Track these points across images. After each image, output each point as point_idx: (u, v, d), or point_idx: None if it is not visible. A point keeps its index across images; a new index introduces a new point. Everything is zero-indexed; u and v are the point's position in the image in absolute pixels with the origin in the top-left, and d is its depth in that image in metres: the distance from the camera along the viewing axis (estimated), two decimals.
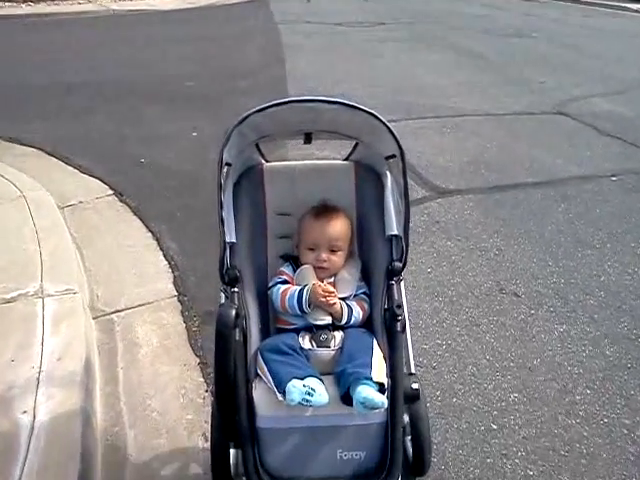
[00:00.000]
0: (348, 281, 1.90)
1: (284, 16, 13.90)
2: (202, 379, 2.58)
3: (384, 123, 1.71)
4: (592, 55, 9.58)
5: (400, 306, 1.73)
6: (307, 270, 1.89)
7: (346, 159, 2.13)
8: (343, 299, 1.85)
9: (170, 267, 3.47)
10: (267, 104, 1.67)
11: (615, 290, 3.15)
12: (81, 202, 4.32)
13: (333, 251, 1.90)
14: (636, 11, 15.21)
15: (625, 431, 2.25)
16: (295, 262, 1.95)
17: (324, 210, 1.95)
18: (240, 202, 1.95)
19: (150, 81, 7.87)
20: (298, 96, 1.70)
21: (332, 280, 1.90)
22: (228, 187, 1.89)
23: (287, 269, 1.93)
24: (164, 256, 3.60)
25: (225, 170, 1.75)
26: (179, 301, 3.15)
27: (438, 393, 2.44)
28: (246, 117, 1.70)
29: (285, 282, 1.89)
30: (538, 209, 4.10)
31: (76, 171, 4.88)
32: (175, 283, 3.31)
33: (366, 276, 1.96)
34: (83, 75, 8.15)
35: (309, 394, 1.52)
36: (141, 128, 5.94)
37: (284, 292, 1.84)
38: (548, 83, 7.62)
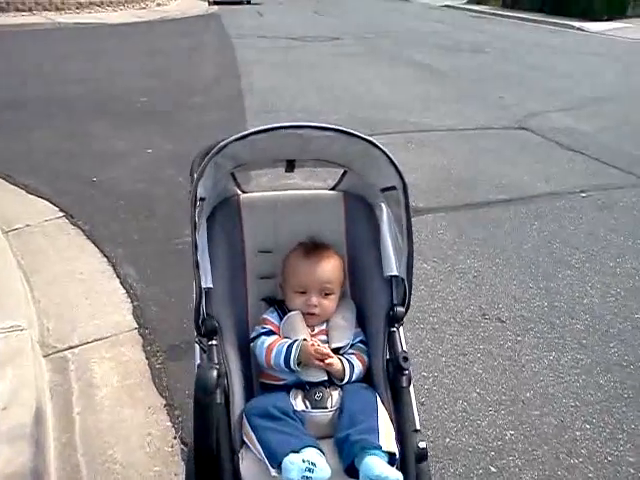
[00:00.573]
0: (343, 328, 1.69)
1: (238, 30, 13.71)
2: (170, 423, 2.33)
3: (384, 152, 1.51)
4: (544, 70, 9.71)
5: (407, 358, 1.55)
6: (295, 318, 1.68)
7: (333, 189, 1.93)
8: (338, 350, 1.64)
9: (129, 296, 3.19)
10: (249, 131, 1.45)
11: (600, 313, 3.04)
12: (28, 225, 4.00)
13: (325, 294, 1.69)
14: (578, 29, 15.65)
15: (632, 470, 2.10)
16: (280, 307, 1.74)
17: (314, 248, 1.74)
18: (215, 239, 1.73)
19: (100, 97, 7.53)
20: (273, 122, 1.49)
21: (324, 327, 1.69)
22: (202, 224, 1.66)
23: (272, 316, 1.71)
24: (121, 284, 3.32)
25: (199, 205, 1.52)
26: (140, 334, 2.88)
27: (430, 433, 2.25)
28: (224, 146, 1.47)
29: (270, 332, 1.66)
30: (512, 228, 3.98)
31: (21, 191, 4.55)
32: (135, 314, 3.03)
33: (361, 321, 1.75)
34: (27, 90, 7.76)
35: (309, 470, 1.30)
36: (92, 145, 5.63)
37: (270, 347, 1.61)
38: (506, 98, 7.63)
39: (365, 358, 1.66)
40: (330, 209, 1.87)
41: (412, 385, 1.58)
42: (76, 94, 7.59)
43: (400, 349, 1.58)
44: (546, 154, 5.51)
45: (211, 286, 1.61)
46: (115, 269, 3.47)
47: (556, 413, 2.35)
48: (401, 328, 1.65)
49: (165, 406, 2.41)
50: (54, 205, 4.30)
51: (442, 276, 3.37)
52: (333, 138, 1.49)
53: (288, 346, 1.58)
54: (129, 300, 3.15)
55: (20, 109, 6.80)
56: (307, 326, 1.67)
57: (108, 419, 2.37)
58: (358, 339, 1.70)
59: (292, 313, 1.69)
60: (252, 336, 1.69)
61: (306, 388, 1.56)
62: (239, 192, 1.86)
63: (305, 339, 1.59)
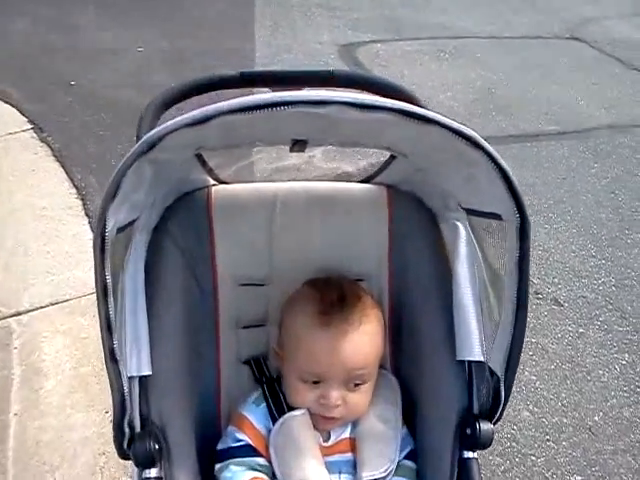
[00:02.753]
0: (382, 438, 1.09)
1: None
2: None
3: (497, 162, 0.81)
4: None
5: None
6: (298, 424, 1.07)
7: (369, 180, 1.26)
8: None
9: None
10: (214, 108, 0.75)
11: None
12: None
13: (354, 385, 1.08)
14: None
15: None
16: (273, 392, 1.13)
17: (338, 306, 1.08)
18: (162, 271, 1.10)
19: None
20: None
21: (348, 434, 1.10)
22: (133, 259, 1.02)
23: (255, 413, 1.10)
24: (90, 225, 2.72)
25: (108, 244, 0.83)
26: None
27: None
28: (162, 136, 0.77)
29: (247, 450, 1.07)
30: (566, 170, 3.30)
31: None
32: None
33: (409, 414, 1.15)
34: None
35: None
36: (76, 39, 4.83)
37: None
38: (556, 1, 6.64)
39: None
40: (365, 214, 1.21)
41: None
42: None
43: None
44: (604, 73, 4.70)
45: (148, 372, 1.00)
46: (85, 205, 2.86)
47: (636, 450, 1.80)
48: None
49: None
50: (22, 114, 3.63)
51: None
52: (390, 122, 0.79)
53: None
54: None
55: None
56: (318, 430, 1.08)
57: (53, 425, 1.84)
58: (405, 452, 1.11)
59: (293, 415, 1.08)
60: (218, 448, 1.09)
61: None
62: (210, 182, 1.21)
63: None
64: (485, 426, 1.01)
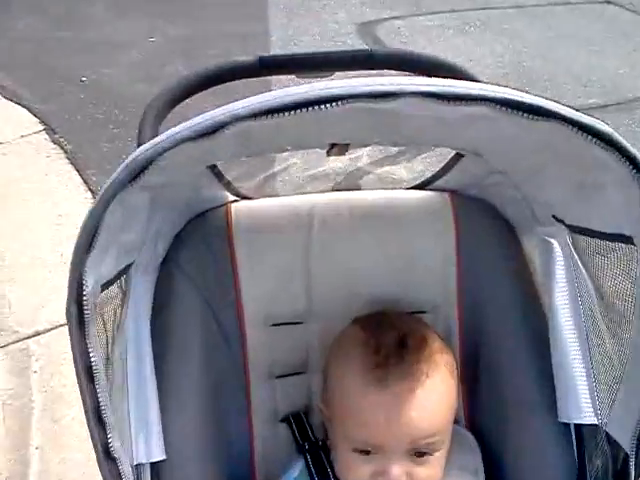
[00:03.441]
0: None
1: None
2: None
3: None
4: None
5: None
6: None
7: (426, 186, 1.07)
8: None
9: None
10: (270, 102, 0.55)
11: None
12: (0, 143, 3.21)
13: (420, 454, 0.87)
14: None
15: None
16: (317, 458, 0.94)
17: (397, 356, 0.87)
18: (174, 315, 0.92)
19: None
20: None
21: None
22: (133, 313, 0.82)
23: None
24: None
25: (98, 294, 0.66)
26: None
27: None
28: (151, 158, 0.58)
29: None
30: None
31: None
32: None
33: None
34: None
35: None
36: (86, 33, 4.64)
37: None
38: None
39: None
40: (425, 229, 1.02)
41: None
42: None
43: None
44: None
45: (161, 457, 0.82)
46: None
47: None
48: None
49: None
50: (34, 115, 3.49)
51: None
52: (483, 117, 0.58)
53: None
54: None
55: None
56: None
57: (77, 460, 1.70)
58: None
59: None
60: None
61: None
62: (229, 198, 1.03)
63: None
64: None
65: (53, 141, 3.25)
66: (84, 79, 3.89)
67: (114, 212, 0.60)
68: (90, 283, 0.61)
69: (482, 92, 0.56)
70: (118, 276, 0.74)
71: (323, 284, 1.01)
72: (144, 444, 0.80)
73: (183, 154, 0.60)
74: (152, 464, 0.82)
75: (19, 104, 3.61)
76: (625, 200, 0.65)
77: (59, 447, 1.73)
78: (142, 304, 0.85)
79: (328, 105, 0.54)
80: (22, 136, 3.30)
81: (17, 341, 2.05)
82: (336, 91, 0.54)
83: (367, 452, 0.86)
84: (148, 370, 0.83)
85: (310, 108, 0.55)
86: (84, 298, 0.60)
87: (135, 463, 0.78)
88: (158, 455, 0.82)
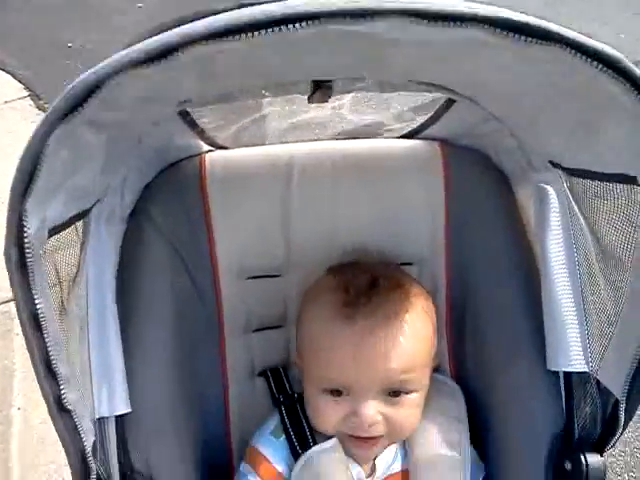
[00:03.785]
0: (444, 465, 0.86)
1: None
2: None
3: None
4: None
5: None
6: (327, 462, 0.84)
7: (411, 135, 1.02)
8: None
9: None
10: (227, 20, 0.47)
11: None
12: None
13: (396, 393, 0.84)
14: None
15: None
16: (293, 412, 0.90)
17: (367, 295, 0.84)
18: (143, 267, 0.87)
19: None
20: None
21: (399, 468, 0.88)
22: (96, 261, 0.77)
23: (273, 446, 0.88)
24: None
25: (44, 238, 0.59)
26: None
27: None
28: (138, 61, 0.50)
29: None
30: None
31: None
32: None
33: (480, 437, 0.91)
34: None
35: None
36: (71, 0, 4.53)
37: None
38: None
39: None
40: (412, 179, 0.97)
41: None
42: None
43: None
44: None
45: (126, 410, 0.78)
46: None
47: None
48: None
49: None
50: (18, 81, 3.41)
51: None
52: (479, 44, 0.50)
53: None
54: None
55: None
56: (357, 461, 0.86)
57: None
58: None
59: (320, 449, 0.85)
60: None
61: None
62: (203, 148, 0.97)
63: None
64: (593, 459, 0.76)
65: (38, 107, 3.19)
66: (70, 45, 3.80)
67: (58, 152, 0.54)
68: (33, 226, 0.55)
69: (473, 10, 0.49)
70: (70, 222, 0.68)
71: (303, 237, 0.96)
72: (107, 398, 0.76)
73: (135, 87, 0.54)
74: (117, 419, 0.78)
75: (3, 70, 3.53)
76: (631, 136, 0.60)
77: (41, 408, 1.69)
78: (106, 255, 0.80)
79: (295, 25, 0.47)
80: (6, 102, 3.23)
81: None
82: (303, 8, 0.47)
83: (338, 393, 0.83)
84: (111, 322, 0.78)
85: (273, 29, 0.47)
86: (25, 241, 0.55)
87: (97, 417, 0.74)
88: (122, 408, 0.77)
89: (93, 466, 0.70)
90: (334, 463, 0.85)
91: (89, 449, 0.70)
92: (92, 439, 0.72)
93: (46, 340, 0.59)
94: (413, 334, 0.84)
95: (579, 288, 0.80)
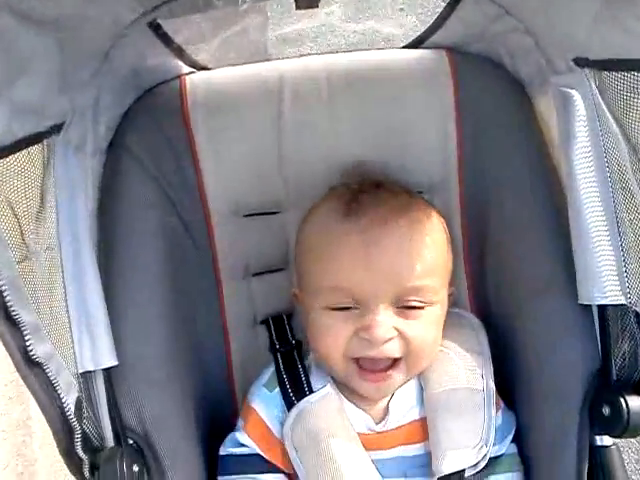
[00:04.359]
0: (465, 404, 0.77)
1: None
2: None
3: None
4: None
5: None
6: (324, 409, 0.76)
7: (416, 45, 0.90)
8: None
9: None
10: None
11: None
12: None
13: (410, 307, 0.74)
14: None
15: None
16: (290, 360, 0.82)
17: (372, 192, 0.76)
18: (124, 204, 0.78)
19: None
20: None
21: (417, 415, 0.78)
22: (66, 196, 0.68)
23: (267, 400, 0.79)
24: None
25: None
26: None
27: None
28: None
29: (255, 462, 0.77)
30: None
31: None
32: None
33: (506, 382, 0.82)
34: None
35: None
36: None
37: None
38: None
39: None
40: (417, 93, 0.85)
41: None
42: None
43: None
44: None
45: (112, 363, 0.71)
46: None
47: None
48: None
49: None
50: None
51: None
52: None
53: None
54: None
55: None
56: (364, 406, 0.78)
57: None
58: (507, 439, 0.79)
59: (315, 398, 0.77)
60: (220, 453, 0.79)
61: None
62: (183, 69, 0.86)
63: None
64: (634, 402, 0.67)
65: None
66: None
67: None
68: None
69: None
70: (20, 145, 0.59)
71: (299, 166, 0.87)
72: (90, 350, 0.70)
73: None
74: (106, 373, 0.71)
75: None
76: None
77: None
78: (77, 186, 0.71)
79: None
80: None
81: None
82: None
83: (347, 308, 0.74)
84: (88, 265, 0.71)
85: None
86: None
87: (80, 371, 0.69)
88: (108, 361, 0.71)
89: (76, 425, 0.65)
90: (330, 415, 0.76)
91: (70, 406, 0.65)
92: (75, 395, 0.66)
93: (1, 284, 0.54)
94: (426, 232, 0.75)
95: (612, 207, 0.69)
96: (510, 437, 0.80)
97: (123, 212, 0.78)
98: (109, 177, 0.78)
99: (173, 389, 0.78)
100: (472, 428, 0.76)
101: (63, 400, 0.63)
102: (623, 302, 0.69)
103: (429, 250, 0.75)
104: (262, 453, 0.77)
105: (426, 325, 0.75)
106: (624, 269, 0.69)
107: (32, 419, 1.54)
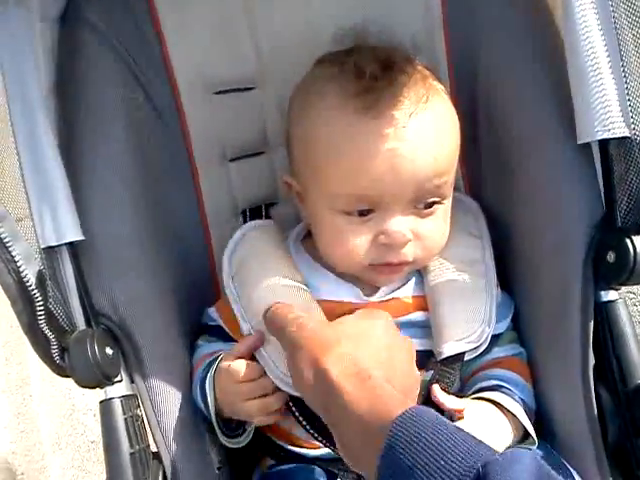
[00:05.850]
0: (466, 287, 0.74)
1: None
2: None
3: None
4: None
5: None
6: (262, 235, 0.79)
7: None
8: (455, 360, 0.72)
9: None
10: None
11: None
12: None
13: (428, 205, 0.69)
14: None
15: None
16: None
17: (386, 78, 0.66)
18: (86, 78, 0.71)
19: None
20: None
21: (410, 292, 0.76)
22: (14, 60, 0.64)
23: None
24: None
25: None
26: None
27: None
28: None
29: (219, 333, 0.78)
30: None
31: None
32: None
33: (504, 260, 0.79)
34: None
35: None
36: None
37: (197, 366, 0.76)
38: None
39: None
40: None
41: None
42: None
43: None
44: None
45: (77, 237, 0.67)
46: None
47: None
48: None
49: None
50: None
51: None
52: None
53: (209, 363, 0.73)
54: None
55: None
56: (352, 282, 0.75)
57: None
58: (507, 319, 0.77)
59: (256, 224, 0.81)
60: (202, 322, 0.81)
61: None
62: None
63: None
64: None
65: None
66: None
67: None
68: None
69: None
70: None
71: (274, 33, 0.80)
72: (51, 223, 0.65)
73: None
74: (72, 251, 0.67)
75: None
76: None
77: None
78: (24, 46, 0.65)
79: None
80: None
81: None
82: None
83: (362, 213, 0.68)
84: (42, 131, 0.66)
85: None
86: None
87: (43, 246, 0.65)
88: (71, 235, 0.66)
89: (38, 297, 0.63)
90: (268, 237, 0.78)
91: (29, 277, 0.62)
92: (36, 268, 0.64)
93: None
94: (450, 124, 0.70)
95: (611, 20, 0.61)
96: (510, 316, 0.77)
97: (82, 89, 0.72)
98: (66, 52, 0.72)
99: (146, 271, 0.73)
100: (474, 308, 0.72)
101: (19, 265, 0.60)
102: (627, 134, 0.62)
103: (450, 145, 0.70)
104: (225, 326, 0.76)
105: (438, 222, 0.71)
106: (626, 96, 0.62)
107: (30, 378, 1.50)
